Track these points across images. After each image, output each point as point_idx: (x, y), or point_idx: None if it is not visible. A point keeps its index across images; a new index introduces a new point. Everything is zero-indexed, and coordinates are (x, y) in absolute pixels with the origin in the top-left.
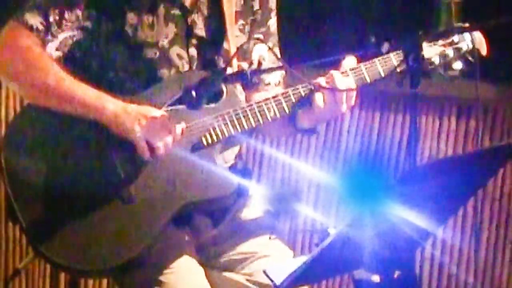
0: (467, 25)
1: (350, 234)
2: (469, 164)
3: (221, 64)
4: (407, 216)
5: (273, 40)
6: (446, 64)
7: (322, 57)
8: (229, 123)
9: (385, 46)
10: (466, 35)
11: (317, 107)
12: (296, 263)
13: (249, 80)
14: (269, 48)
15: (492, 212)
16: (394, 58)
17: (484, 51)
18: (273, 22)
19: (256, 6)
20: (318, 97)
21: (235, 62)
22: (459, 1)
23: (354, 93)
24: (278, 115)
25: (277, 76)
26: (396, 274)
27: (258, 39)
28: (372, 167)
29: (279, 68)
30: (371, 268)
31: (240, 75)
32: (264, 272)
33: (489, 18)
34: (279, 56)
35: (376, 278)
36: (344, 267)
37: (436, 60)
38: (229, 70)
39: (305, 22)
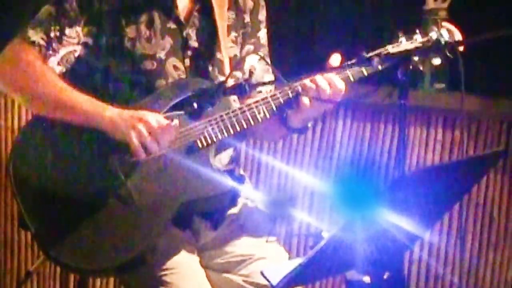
0: (446, 24)
1: (342, 237)
2: (455, 172)
3: (215, 73)
4: (396, 221)
5: (264, 51)
6: (426, 60)
7: (313, 69)
8: (222, 126)
9: (376, 61)
10: (444, 31)
11: (304, 106)
12: (292, 264)
13: (247, 92)
14: (261, 57)
15: (476, 216)
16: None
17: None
18: (263, 34)
19: (247, 19)
20: (304, 98)
21: (228, 70)
22: (446, 18)
23: (341, 90)
24: (268, 115)
25: (269, 86)
26: (386, 275)
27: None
28: (363, 174)
29: (273, 82)
30: (362, 270)
31: (238, 88)
32: (262, 273)
33: (473, 33)
34: (270, 64)
35: (367, 279)
36: (337, 268)
37: (416, 57)
38: (229, 82)
39: (295, 35)
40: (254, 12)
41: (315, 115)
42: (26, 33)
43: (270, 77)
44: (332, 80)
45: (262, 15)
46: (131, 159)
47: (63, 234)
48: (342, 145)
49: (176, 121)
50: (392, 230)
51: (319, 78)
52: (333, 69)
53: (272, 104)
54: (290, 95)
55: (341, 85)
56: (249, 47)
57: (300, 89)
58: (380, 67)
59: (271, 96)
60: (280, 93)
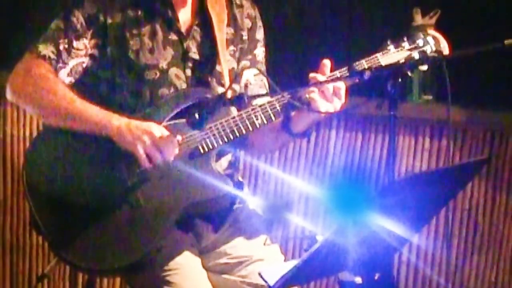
0: (432, 32)
1: (335, 240)
2: (441, 179)
3: (215, 84)
4: (386, 225)
5: (260, 67)
6: (413, 65)
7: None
8: (222, 133)
9: (367, 74)
10: (430, 39)
11: (314, 105)
12: (288, 266)
13: (246, 103)
14: (260, 71)
15: (461, 221)
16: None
17: (446, 51)
18: (259, 52)
19: (245, 36)
20: (314, 95)
21: (227, 82)
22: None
23: (343, 90)
24: (265, 121)
25: (264, 100)
26: (376, 276)
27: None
28: (355, 181)
29: (269, 93)
30: (354, 271)
31: (238, 99)
32: (259, 274)
33: (459, 47)
34: (268, 78)
35: (358, 280)
36: (330, 269)
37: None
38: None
39: (292, 49)
40: (252, 31)
41: (315, 120)
42: (37, 48)
43: (264, 92)
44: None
45: (260, 34)
46: (138, 166)
47: (73, 236)
48: (335, 154)
49: (179, 137)
50: (382, 234)
51: (321, 77)
52: (325, 81)
53: (269, 111)
54: (286, 102)
55: (341, 84)
56: (245, 63)
57: (296, 98)
58: (367, 76)
59: (268, 103)
60: (276, 100)
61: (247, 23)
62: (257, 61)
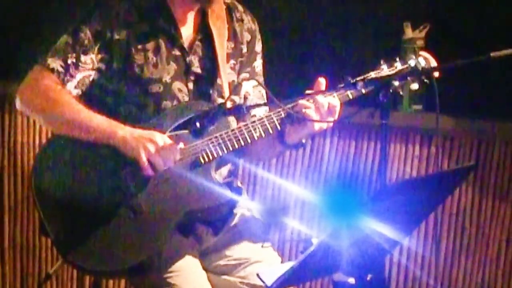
0: (423, 53)
1: (330, 243)
2: (430, 184)
3: (216, 96)
4: (378, 228)
5: (259, 79)
6: (403, 77)
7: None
8: (222, 144)
9: (360, 85)
10: (421, 59)
11: (298, 125)
12: (285, 267)
13: (244, 113)
14: (258, 83)
15: (449, 224)
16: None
17: (436, 73)
18: (258, 64)
19: (244, 49)
20: (310, 111)
21: (227, 94)
22: (422, 46)
23: (337, 108)
24: (263, 134)
25: (262, 110)
26: (369, 277)
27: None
28: (349, 186)
29: (267, 104)
30: (348, 272)
31: (237, 109)
32: (257, 275)
33: (447, 60)
34: (266, 90)
35: (352, 280)
36: (325, 270)
37: (396, 82)
38: (228, 105)
39: (289, 64)
40: (251, 44)
41: (309, 133)
42: (46, 61)
43: (261, 108)
44: (328, 100)
45: (259, 47)
46: (141, 173)
47: (79, 240)
48: (330, 160)
49: (181, 144)
50: (374, 236)
51: (319, 96)
52: (322, 92)
53: (267, 124)
54: (283, 115)
55: (336, 102)
56: (245, 75)
57: (292, 111)
58: (363, 91)
59: (266, 117)
60: (274, 114)
61: (247, 36)
62: (256, 73)
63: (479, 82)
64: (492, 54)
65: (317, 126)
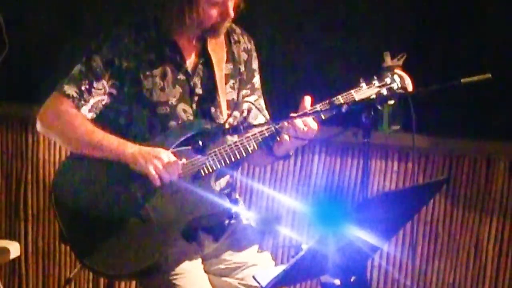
0: (398, 71)
1: (318, 248)
2: (407, 196)
3: (217, 113)
4: (361, 235)
5: (258, 93)
6: (383, 100)
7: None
8: (220, 157)
9: (345, 107)
10: (396, 77)
11: (285, 140)
12: (278, 270)
13: (242, 132)
14: (251, 103)
15: (424, 231)
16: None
17: (410, 87)
18: (256, 80)
19: (242, 68)
20: (285, 135)
21: (226, 111)
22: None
23: (315, 130)
24: (256, 148)
25: (262, 119)
26: (352, 278)
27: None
28: (334, 198)
29: (263, 124)
30: (334, 274)
31: (235, 129)
32: (253, 277)
33: (422, 85)
34: (263, 106)
35: (337, 282)
36: (313, 273)
37: (378, 105)
38: (228, 121)
39: (281, 85)
40: (248, 63)
41: (294, 147)
42: (62, 88)
43: (262, 117)
44: (307, 122)
45: (255, 64)
46: (149, 186)
47: (94, 246)
48: (318, 175)
49: (184, 160)
50: (357, 243)
51: (297, 121)
52: (309, 112)
53: (260, 139)
54: (274, 132)
55: (314, 125)
56: (245, 91)
57: (281, 128)
58: (344, 110)
59: (259, 133)
60: (266, 130)
61: (244, 56)
62: (256, 88)
63: (451, 105)
64: (462, 80)
65: (301, 142)
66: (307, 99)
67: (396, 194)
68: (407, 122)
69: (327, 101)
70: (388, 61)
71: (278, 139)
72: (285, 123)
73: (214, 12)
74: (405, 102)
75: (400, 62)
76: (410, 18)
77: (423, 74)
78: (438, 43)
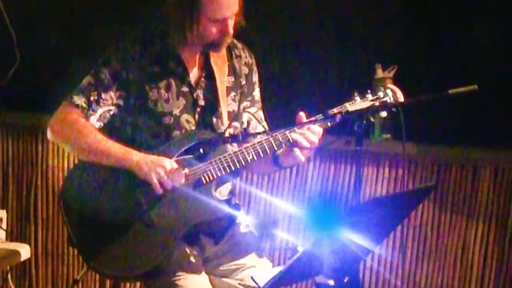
0: (390, 86)
1: (313, 250)
2: (398, 201)
3: (218, 124)
4: (353, 238)
5: (258, 105)
6: (375, 112)
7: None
8: (221, 166)
9: (338, 117)
10: (388, 91)
11: (297, 151)
12: (275, 271)
13: (241, 141)
14: (251, 114)
15: (414, 235)
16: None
17: (402, 101)
18: (256, 93)
19: (243, 81)
20: (297, 149)
21: (226, 121)
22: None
23: (320, 132)
24: (255, 158)
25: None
26: (346, 279)
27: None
28: (329, 203)
29: (261, 133)
30: (328, 275)
31: (234, 138)
32: (252, 278)
33: (411, 95)
34: (262, 118)
35: (331, 282)
36: (309, 274)
37: (370, 116)
38: (228, 131)
39: (278, 98)
40: (249, 76)
41: (306, 156)
42: (72, 98)
43: (261, 128)
44: (314, 128)
45: (256, 77)
46: (152, 193)
47: (101, 249)
48: (313, 181)
49: (186, 169)
50: (350, 245)
51: (307, 131)
52: (305, 123)
53: (259, 149)
54: (272, 143)
55: (319, 130)
56: (246, 103)
57: (280, 138)
58: (338, 119)
59: (258, 143)
60: (264, 140)
61: (245, 69)
62: (256, 100)
63: (439, 114)
64: (450, 91)
65: (305, 155)
66: (302, 115)
67: (387, 199)
68: (397, 131)
69: (323, 113)
70: (380, 73)
71: (276, 149)
72: (297, 136)
73: (214, 29)
74: (395, 112)
75: (391, 74)
76: (400, 33)
77: (412, 85)
78: (426, 56)
